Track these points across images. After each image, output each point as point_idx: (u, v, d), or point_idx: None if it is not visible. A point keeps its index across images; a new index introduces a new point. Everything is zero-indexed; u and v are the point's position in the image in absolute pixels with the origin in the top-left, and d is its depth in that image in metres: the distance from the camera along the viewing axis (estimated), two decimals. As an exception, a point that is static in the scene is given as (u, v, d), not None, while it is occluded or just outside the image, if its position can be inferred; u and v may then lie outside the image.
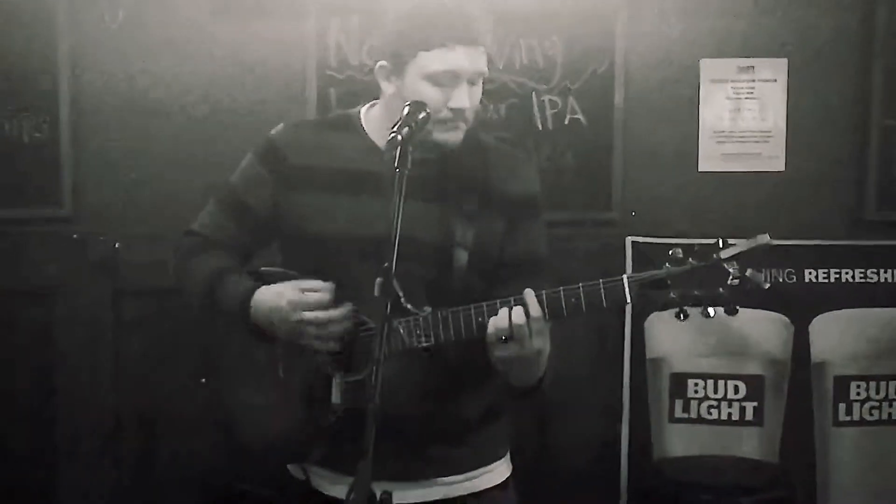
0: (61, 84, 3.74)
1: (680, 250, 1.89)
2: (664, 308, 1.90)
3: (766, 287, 1.88)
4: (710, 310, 1.88)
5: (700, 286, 1.87)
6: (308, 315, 2.00)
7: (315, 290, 2.02)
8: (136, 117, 3.78)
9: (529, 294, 1.92)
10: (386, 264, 1.78)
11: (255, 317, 2.06)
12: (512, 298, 1.93)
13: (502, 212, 2.11)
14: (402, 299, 1.90)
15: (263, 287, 2.07)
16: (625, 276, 1.89)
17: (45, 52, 3.73)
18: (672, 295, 1.88)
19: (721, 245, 1.87)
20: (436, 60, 1.97)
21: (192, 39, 3.76)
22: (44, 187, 3.77)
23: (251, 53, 3.76)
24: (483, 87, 2.07)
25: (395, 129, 1.89)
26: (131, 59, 3.77)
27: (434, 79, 1.98)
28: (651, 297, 1.90)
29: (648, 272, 1.90)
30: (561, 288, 1.92)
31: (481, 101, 2.08)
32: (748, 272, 1.86)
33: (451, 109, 2.00)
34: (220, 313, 2.12)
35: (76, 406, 3.83)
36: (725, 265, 1.86)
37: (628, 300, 1.89)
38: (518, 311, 1.90)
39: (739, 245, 1.87)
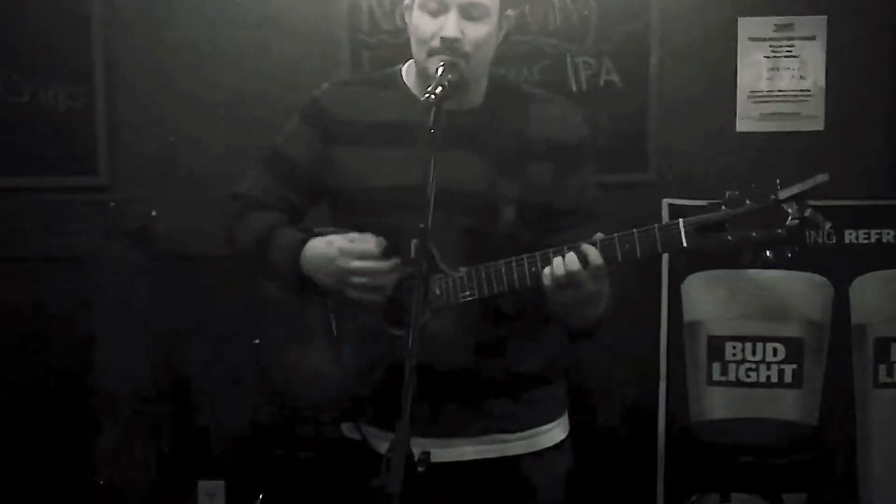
0: (96, 52, 3.75)
1: (736, 192, 1.84)
2: (722, 251, 1.85)
3: (828, 227, 1.83)
4: (769, 252, 1.83)
5: (758, 228, 1.82)
6: (356, 264, 2.00)
7: (365, 242, 2.03)
8: (171, 85, 3.79)
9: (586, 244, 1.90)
10: (421, 225, 1.78)
11: (304, 265, 2.07)
12: (565, 246, 1.91)
13: (550, 161, 2.10)
14: (437, 260, 1.92)
15: (315, 238, 2.08)
16: (681, 220, 1.86)
17: (79, 20, 3.74)
18: (729, 238, 1.83)
19: (779, 186, 1.82)
20: None
21: (225, 5, 3.76)
22: (80, 155, 3.79)
23: (284, 18, 3.75)
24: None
25: (428, 89, 1.89)
26: (165, 26, 3.77)
27: (425, 6, 2.00)
28: (707, 241, 1.85)
29: (705, 214, 1.86)
30: (615, 234, 1.89)
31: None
32: (808, 212, 1.82)
33: (442, 39, 1.98)
34: (269, 266, 2.13)
35: (113, 374, 3.85)
36: (784, 206, 1.81)
37: (684, 243, 1.86)
38: (571, 258, 1.88)
39: (799, 185, 1.82)
